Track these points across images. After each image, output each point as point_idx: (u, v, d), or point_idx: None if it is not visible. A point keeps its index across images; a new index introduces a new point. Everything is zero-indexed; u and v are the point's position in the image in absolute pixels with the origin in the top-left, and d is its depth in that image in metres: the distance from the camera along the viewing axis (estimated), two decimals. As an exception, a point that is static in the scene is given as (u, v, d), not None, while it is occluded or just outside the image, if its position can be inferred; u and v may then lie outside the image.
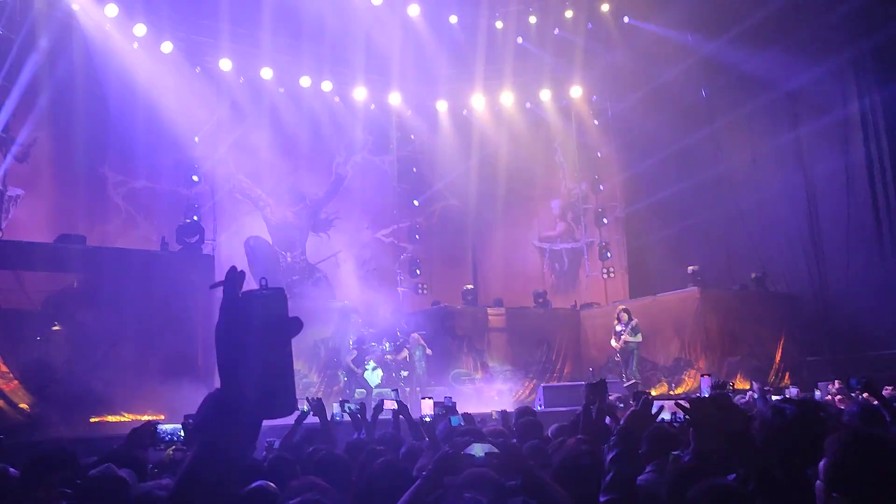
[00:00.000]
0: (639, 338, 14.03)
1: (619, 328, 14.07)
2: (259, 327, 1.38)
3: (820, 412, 2.80)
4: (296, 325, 1.41)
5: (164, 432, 4.45)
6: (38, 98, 13.27)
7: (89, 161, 14.55)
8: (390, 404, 6.01)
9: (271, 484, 3.29)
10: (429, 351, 14.42)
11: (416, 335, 14.59)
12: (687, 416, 3.00)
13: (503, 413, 7.17)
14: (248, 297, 1.40)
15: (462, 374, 15.18)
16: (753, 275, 15.56)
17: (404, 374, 14.46)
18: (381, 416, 5.94)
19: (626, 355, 14.03)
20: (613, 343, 14.13)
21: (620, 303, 16.26)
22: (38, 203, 13.58)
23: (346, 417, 5.85)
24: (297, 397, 1.52)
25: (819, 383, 10.44)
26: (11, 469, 3.51)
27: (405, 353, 14.40)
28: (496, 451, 3.08)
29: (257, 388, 1.37)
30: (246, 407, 1.37)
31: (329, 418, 5.76)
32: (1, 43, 12.35)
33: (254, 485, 3.30)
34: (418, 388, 13.60)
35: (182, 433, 4.49)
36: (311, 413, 5.63)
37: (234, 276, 1.41)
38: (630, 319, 14.04)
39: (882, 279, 14.23)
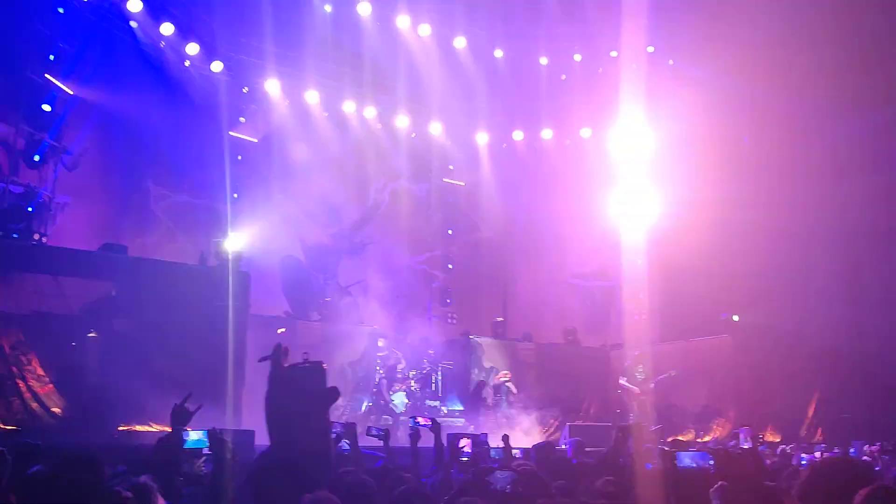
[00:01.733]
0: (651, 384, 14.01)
1: (640, 376, 13.97)
2: (301, 397, 1.49)
3: (860, 472, 2.74)
4: (333, 395, 1.52)
5: (189, 436, 4.40)
6: (91, 110, 13.67)
7: (134, 173, 14.91)
8: (424, 421, 5.90)
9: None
10: (514, 390, 14.68)
11: (504, 374, 14.94)
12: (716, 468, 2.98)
13: (525, 451, 7.11)
14: (291, 372, 1.50)
15: (489, 407, 15.06)
16: (789, 325, 15.27)
17: (433, 403, 14.52)
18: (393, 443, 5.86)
19: (643, 399, 13.92)
20: (625, 382, 14.00)
21: (651, 345, 16.11)
22: (83, 211, 13.87)
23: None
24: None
25: (854, 441, 10.17)
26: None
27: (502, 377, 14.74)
28: (517, 478, 3.11)
29: (301, 452, 1.47)
30: (291, 467, 1.48)
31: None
32: (59, 55, 12.75)
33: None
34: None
35: (207, 441, 4.43)
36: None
37: (279, 352, 1.54)
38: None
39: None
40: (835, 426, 14.23)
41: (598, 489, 4.24)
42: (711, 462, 3.04)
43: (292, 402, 1.31)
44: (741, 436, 5.72)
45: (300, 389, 1.33)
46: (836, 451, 9.05)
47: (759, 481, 2.72)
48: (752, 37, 15.66)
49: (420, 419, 6.21)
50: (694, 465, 3.13)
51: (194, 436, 4.37)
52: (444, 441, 5.88)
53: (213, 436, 4.08)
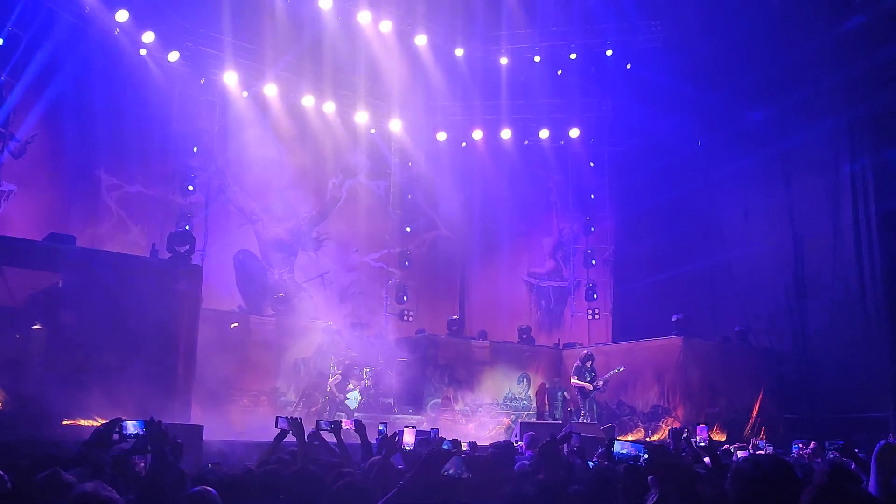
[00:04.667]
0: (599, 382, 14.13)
1: (588, 375, 14.09)
2: None
3: (793, 471, 2.81)
4: None
5: (126, 428, 4.24)
6: (41, 96, 13.30)
7: (85, 162, 14.56)
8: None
9: (211, 490, 3.30)
10: (567, 395, 15.38)
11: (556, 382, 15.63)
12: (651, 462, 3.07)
13: (472, 444, 7.20)
14: None
15: (441, 403, 15.11)
16: (737, 328, 15.65)
17: (389, 401, 14.59)
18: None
19: (592, 397, 14.08)
20: (577, 381, 14.08)
21: (603, 345, 16.40)
22: (30, 200, 13.52)
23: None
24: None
25: (795, 441, 10.45)
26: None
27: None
28: (467, 464, 3.18)
29: None
30: None
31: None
32: (9, 39, 12.38)
33: (194, 489, 3.31)
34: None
35: (144, 429, 4.25)
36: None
37: None
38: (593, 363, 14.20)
39: (865, 342, 14.34)
40: (777, 426, 14.66)
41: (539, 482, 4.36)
42: (645, 456, 3.11)
43: None
44: (698, 433, 5.83)
45: None
46: (770, 449, 9.27)
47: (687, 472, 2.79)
48: (706, 44, 16.01)
49: (345, 424, 6.16)
50: (625, 451, 3.21)
51: (130, 424, 4.18)
52: (373, 440, 5.92)
53: (152, 426, 3.98)
